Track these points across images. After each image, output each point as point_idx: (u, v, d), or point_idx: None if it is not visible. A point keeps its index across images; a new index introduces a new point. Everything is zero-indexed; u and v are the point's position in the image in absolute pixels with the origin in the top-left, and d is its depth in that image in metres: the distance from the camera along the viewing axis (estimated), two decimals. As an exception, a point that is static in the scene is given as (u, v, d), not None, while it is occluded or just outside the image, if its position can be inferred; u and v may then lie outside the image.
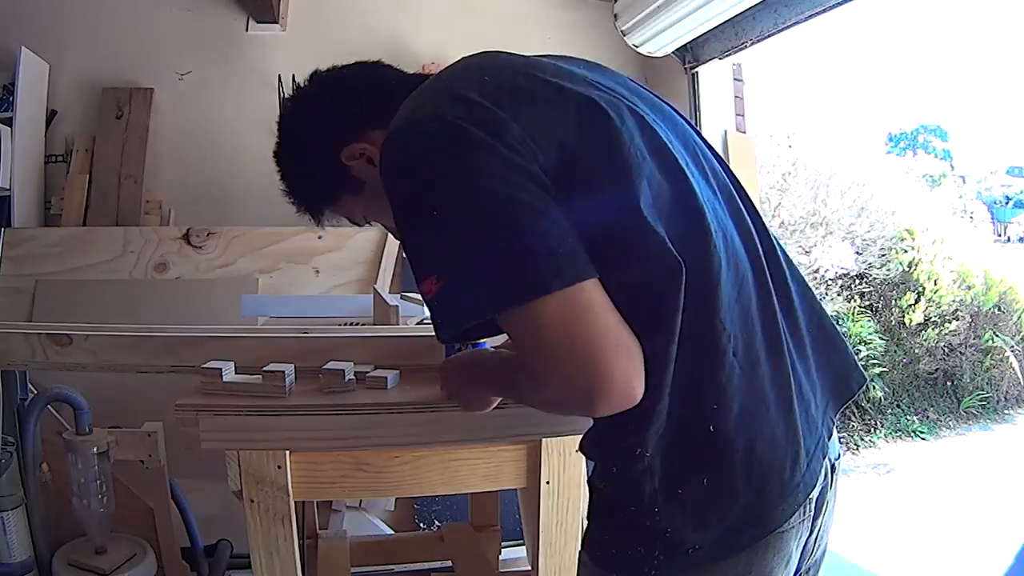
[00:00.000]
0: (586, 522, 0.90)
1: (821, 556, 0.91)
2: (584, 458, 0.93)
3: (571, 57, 0.90)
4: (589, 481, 0.87)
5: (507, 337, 0.89)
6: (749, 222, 0.85)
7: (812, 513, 0.82)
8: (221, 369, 1.03)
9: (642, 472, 0.76)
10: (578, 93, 0.78)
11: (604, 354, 0.68)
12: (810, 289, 0.92)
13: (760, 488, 0.77)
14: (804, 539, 0.83)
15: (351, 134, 0.96)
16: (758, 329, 0.79)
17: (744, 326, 0.78)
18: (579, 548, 0.89)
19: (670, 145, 0.80)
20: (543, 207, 0.70)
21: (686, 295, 0.73)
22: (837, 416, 0.91)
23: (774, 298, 0.82)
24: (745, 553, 0.77)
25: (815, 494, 0.82)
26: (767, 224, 0.89)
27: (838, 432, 0.93)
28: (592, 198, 0.73)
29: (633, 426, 0.74)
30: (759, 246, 0.84)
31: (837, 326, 0.93)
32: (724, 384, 0.75)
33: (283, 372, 1.03)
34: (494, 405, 1.00)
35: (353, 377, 1.09)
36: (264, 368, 1.04)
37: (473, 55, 0.90)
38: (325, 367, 1.12)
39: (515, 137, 0.72)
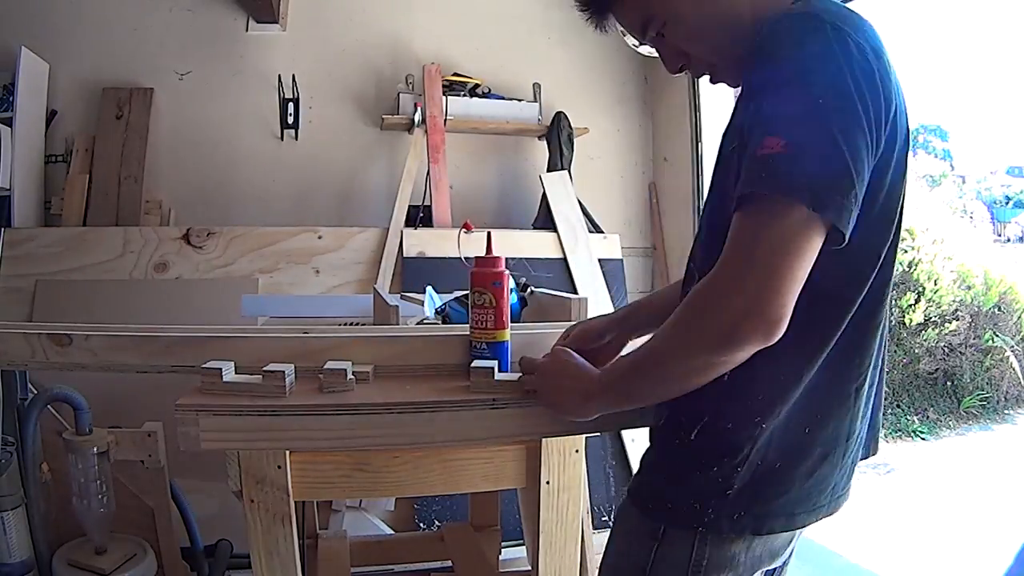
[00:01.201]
0: (638, 472, 0.96)
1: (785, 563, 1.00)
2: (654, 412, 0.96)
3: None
4: (664, 441, 0.92)
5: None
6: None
7: (821, 519, 0.91)
8: (221, 369, 1.03)
9: (748, 439, 0.83)
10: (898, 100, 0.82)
11: (781, 289, 0.71)
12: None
13: (806, 492, 0.87)
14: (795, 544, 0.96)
15: None
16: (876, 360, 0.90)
17: (877, 354, 0.89)
18: (625, 498, 0.96)
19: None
20: (863, 170, 0.74)
21: (869, 297, 0.85)
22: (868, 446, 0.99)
23: (882, 329, 0.91)
24: (770, 537, 0.88)
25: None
26: None
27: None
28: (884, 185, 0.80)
29: (772, 393, 0.83)
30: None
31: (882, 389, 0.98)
32: (841, 400, 0.87)
33: (283, 372, 1.03)
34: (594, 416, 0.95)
35: (353, 377, 1.09)
36: (264, 368, 1.04)
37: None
38: (325, 367, 1.12)
39: (880, 105, 0.77)
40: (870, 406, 0.93)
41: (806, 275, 0.73)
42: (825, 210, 0.71)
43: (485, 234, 1.20)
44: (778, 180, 0.71)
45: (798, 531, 0.92)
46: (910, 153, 0.86)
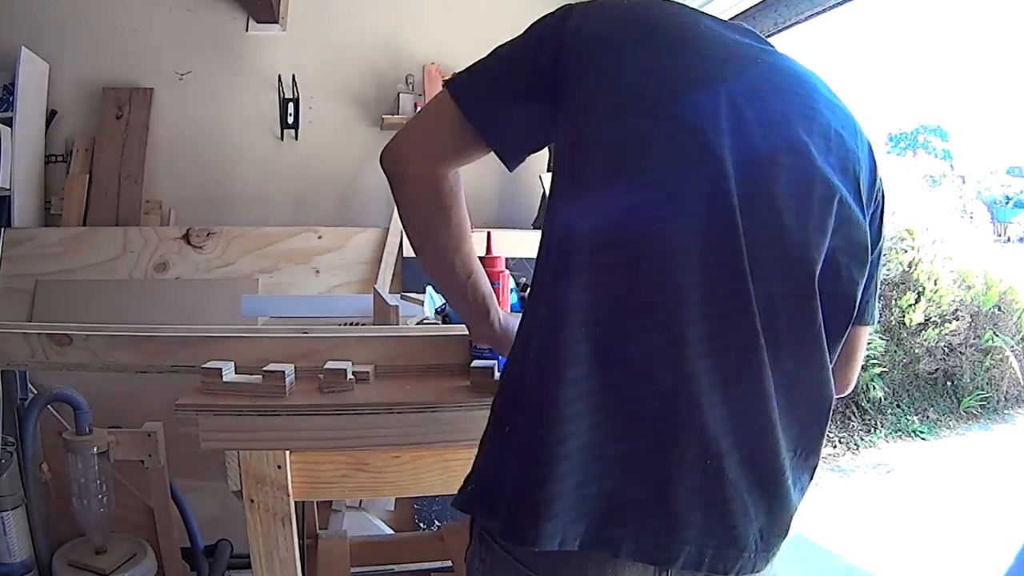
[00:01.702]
0: None
1: None
2: None
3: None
4: None
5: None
6: None
7: None
8: (221, 369, 1.03)
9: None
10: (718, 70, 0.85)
11: (406, 137, 0.90)
12: None
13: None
14: None
15: None
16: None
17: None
18: None
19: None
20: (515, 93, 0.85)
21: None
22: None
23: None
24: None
25: None
26: None
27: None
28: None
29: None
30: None
31: None
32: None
33: (283, 372, 1.03)
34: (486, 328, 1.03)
35: (353, 377, 1.09)
36: (264, 368, 1.04)
37: None
38: (325, 367, 1.12)
39: (547, 55, 0.83)
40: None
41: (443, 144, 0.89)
42: (460, 98, 0.85)
43: (485, 234, 1.20)
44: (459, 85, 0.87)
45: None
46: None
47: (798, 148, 0.76)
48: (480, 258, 1.16)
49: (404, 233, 1.00)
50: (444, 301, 1.25)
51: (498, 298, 1.14)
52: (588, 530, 0.70)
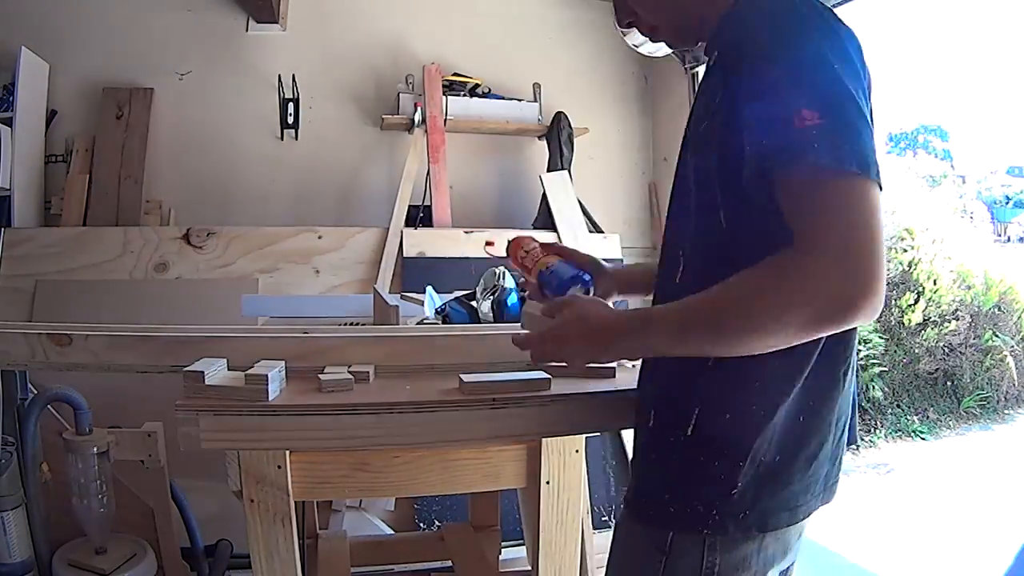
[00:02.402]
0: (633, 482, 0.93)
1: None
2: (640, 409, 0.94)
3: None
4: (657, 439, 0.89)
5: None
6: None
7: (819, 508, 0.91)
8: (204, 372, 1.01)
9: (751, 432, 0.82)
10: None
11: (882, 263, 0.70)
12: None
13: (808, 482, 0.86)
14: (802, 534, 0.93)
15: None
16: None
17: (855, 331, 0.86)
18: (622, 511, 0.93)
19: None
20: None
21: None
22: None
23: None
24: (779, 533, 0.86)
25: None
26: None
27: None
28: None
29: (780, 383, 0.81)
30: None
31: None
32: (832, 385, 0.86)
33: (265, 376, 1.01)
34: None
35: (353, 377, 1.09)
36: (247, 371, 1.02)
37: None
38: (325, 368, 1.12)
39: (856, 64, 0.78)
40: (852, 387, 0.91)
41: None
42: (871, 171, 0.71)
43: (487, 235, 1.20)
44: (835, 151, 0.71)
45: (804, 523, 0.90)
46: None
47: None
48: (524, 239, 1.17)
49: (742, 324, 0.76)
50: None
51: (531, 256, 1.14)
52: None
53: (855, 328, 0.84)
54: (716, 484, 0.82)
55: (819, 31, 0.77)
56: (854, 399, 0.93)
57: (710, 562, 0.83)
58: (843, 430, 0.91)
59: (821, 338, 0.78)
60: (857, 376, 0.94)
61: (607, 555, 0.96)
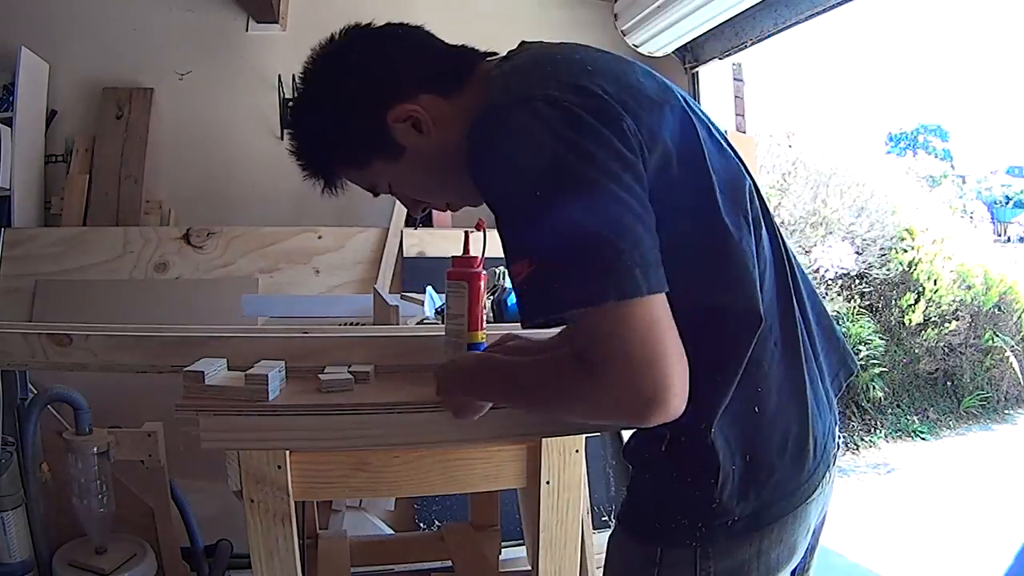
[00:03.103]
0: (626, 495, 0.93)
1: (822, 522, 0.96)
2: (623, 441, 0.96)
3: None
4: (635, 456, 0.90)
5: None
6: (771, 219, 0.90)
7: (825, 484, 0.89)
8: (204, 372, 1.02)
9: (704, 448, 0.80)
10: (673, 96, 0.83)
11: (671, 367, 0.68)
12: (812, 285, 0.97)
13: (791, 464, 0.84)
14: (820, 509, 0.90)
15: (402, 93, 0.87)
16: (785, 318, 0.86)
17: (777, 316, 0.85)
18: (615, 525, 0.93)
19: (719, 151, 0.86)
20: (642, 212, 0.71)
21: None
22: (837, 395, 0.97)
23: (792, 292, 0.88)
24: (777, 524, 0.83)
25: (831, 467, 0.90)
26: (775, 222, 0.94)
27: (840, 431, 1.01)
28: (682, 207, 0.77)
29: (703, 410, 0.78)
30: (780, 242, 0.90)
31: (834, 322, 1.00)
32: (767, 370, 0.82)
33: (265, 376, 1.01)
34: (484, 412, 0.96)
35: (353, 377, 1.09)
36: (247, 371, 1.03)
37: (548, 44, 0.89)
38: (325, 368, 1.12)
39: (629, 131, 0.73)
40: (815, 341, 0.90)
41: (675, 340, 0.70)
42: (628, 288, 0.68)
43: (463, 232, 1.18)
44: (584, 288, 0.69)
45: (820, 495, 0.87)
46: (720, 139, 0.87)
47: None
48: (456, 258, 1.15)
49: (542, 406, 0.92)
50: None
51: (476, 300, 1.13)
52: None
53: (786, 311, 0.85)
54: (696, 499, 0.81)
55: (523, 142, 0.72)
56: (827, 354, 0.93)
57: (704, 570, 0.82)
58: (819, 391, 0.89)
59: (741, 350, 0.79)
60: (825, 331, 0.94)
61: (604, 558, 0.95)
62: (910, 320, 5.45)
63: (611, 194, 0.70)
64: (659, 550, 0.84)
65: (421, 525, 2.55)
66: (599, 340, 0.70)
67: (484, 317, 1.16)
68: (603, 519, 2.62)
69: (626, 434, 0.97)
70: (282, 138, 2.97)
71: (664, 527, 0.84)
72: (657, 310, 0.69)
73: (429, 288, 1.81)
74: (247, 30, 2.94)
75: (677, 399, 0.69)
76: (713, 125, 0.89)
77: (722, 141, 0.88)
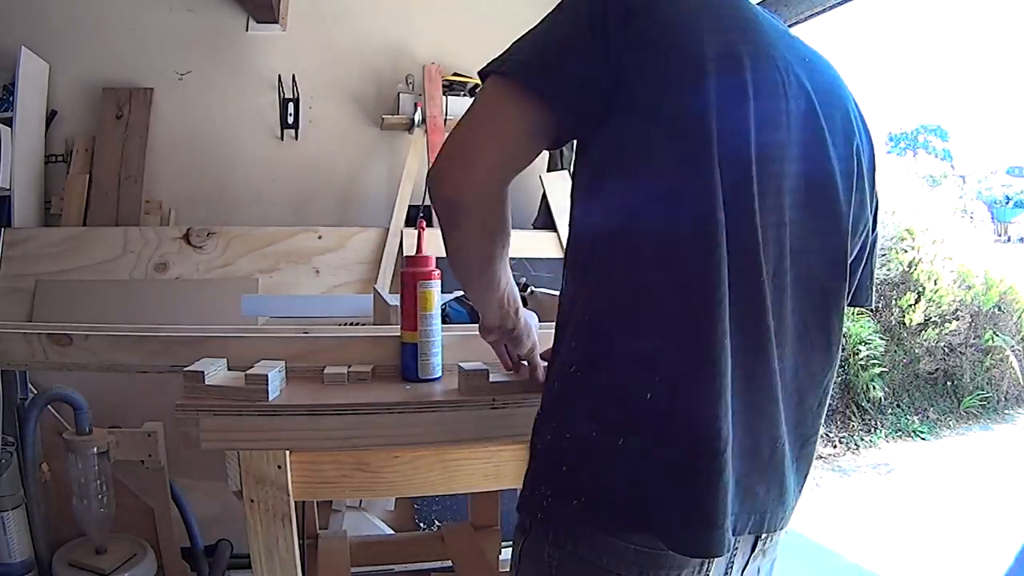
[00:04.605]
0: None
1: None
2: None
3: None
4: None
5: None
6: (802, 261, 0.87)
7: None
8: (204, 372, 1.02)
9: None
10: (779, 56, 0.81)
11: (464, 148, 0.77)
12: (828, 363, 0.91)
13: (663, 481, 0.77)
14: None
15: None
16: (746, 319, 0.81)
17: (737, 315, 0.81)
18: None
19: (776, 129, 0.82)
20: (589, 53, 0.74)
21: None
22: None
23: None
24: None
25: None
26: None
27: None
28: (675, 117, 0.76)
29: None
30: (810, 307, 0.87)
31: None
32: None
33: (265, 376, 1.01)
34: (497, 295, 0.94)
35: (352, 377, 1.09)
36: (247, 371, 1.03)
37: None
38: (325, 368, 1.12)
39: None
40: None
41: (506, 151, 0.77)
42: (519, 73, 0.74)
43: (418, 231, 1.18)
44: (500, 63, 0.76)
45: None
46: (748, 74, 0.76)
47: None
48: (408, 257, 1.16)
49: (454, 269, 0.89)
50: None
51: (409, 299, 1.13)
52: (733, 526, 0.75)
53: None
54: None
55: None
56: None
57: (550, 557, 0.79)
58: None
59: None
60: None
61: None
62: (910, 320, 5.46)
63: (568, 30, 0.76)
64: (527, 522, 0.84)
65: (421, 525, 2.55)
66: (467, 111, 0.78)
67: (427, 317, 1.14)
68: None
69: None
70: (282, 138, 2.97)
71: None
72: (518, 108, 0.75)
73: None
74: (247, 30, 2.94)
75: (459, 176, 0.77)
76: (844, 131, 0.84)
77: (805, 133, 0.80)
